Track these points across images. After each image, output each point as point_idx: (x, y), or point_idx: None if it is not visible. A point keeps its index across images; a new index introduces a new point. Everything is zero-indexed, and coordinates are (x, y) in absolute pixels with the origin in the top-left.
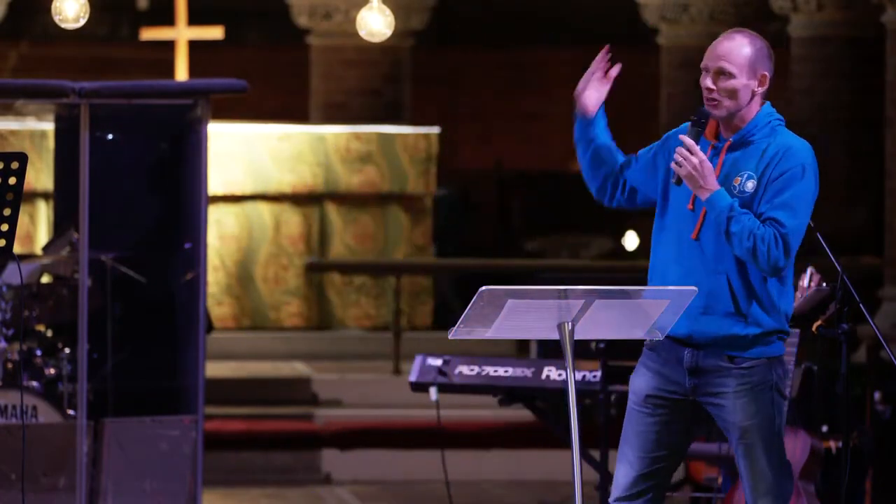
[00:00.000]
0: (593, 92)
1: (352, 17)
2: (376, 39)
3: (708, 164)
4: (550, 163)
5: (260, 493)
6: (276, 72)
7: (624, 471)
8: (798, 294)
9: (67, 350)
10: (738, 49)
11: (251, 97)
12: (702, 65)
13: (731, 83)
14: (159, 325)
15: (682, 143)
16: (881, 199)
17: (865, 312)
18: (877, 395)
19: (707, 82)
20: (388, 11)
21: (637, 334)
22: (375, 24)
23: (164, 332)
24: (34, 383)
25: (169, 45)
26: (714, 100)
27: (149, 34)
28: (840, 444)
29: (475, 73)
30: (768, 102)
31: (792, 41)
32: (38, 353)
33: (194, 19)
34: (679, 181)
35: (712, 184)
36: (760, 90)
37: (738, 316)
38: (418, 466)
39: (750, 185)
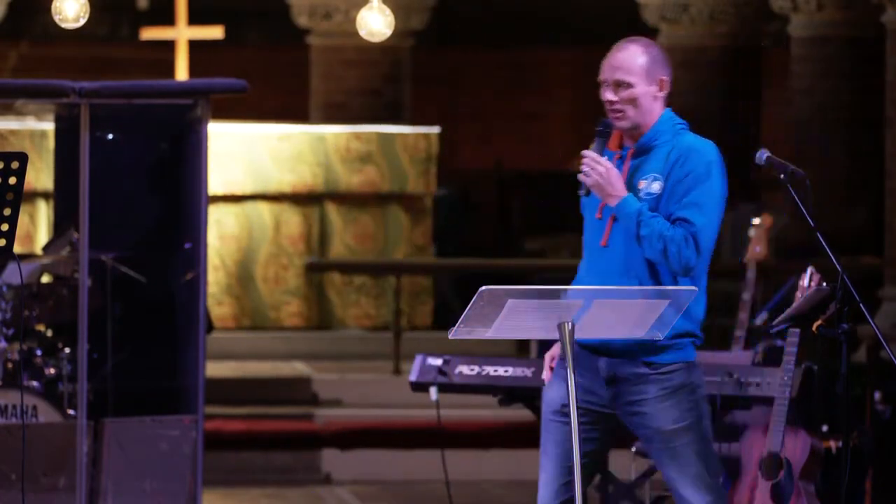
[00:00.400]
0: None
1: (352, 17)
2: (376, 39)
3: (615, 171)
4: (550, 163)
5: (260, 493)
6: (276, 72)
7: (545, 482)
8: (798, 294)
9: (67, 350)
10: (633, 58)
11: (251, 97)
12: (600, 78)
13: (631, 92)
14: (159, 325)
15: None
16: (881, 199)
17: (865, 312)
18: (877, 395)
19: (608, 95)
20: (388, 11)
21: (637, 334)
22: (375, 24)
23: (164, 332)
24: (34, 383)
25: (169, 45)
26: (618, 111)
27: (149, 34)
28: (840, 444)
29: (475, 73)
30: (669, 108)
31: (792, 41)
32: (38, 353)
33: (194, 19)
34: (588, 192)
35: (620, 190)
36: (661, 95)
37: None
38: (418, 466)
39: (656, 187)
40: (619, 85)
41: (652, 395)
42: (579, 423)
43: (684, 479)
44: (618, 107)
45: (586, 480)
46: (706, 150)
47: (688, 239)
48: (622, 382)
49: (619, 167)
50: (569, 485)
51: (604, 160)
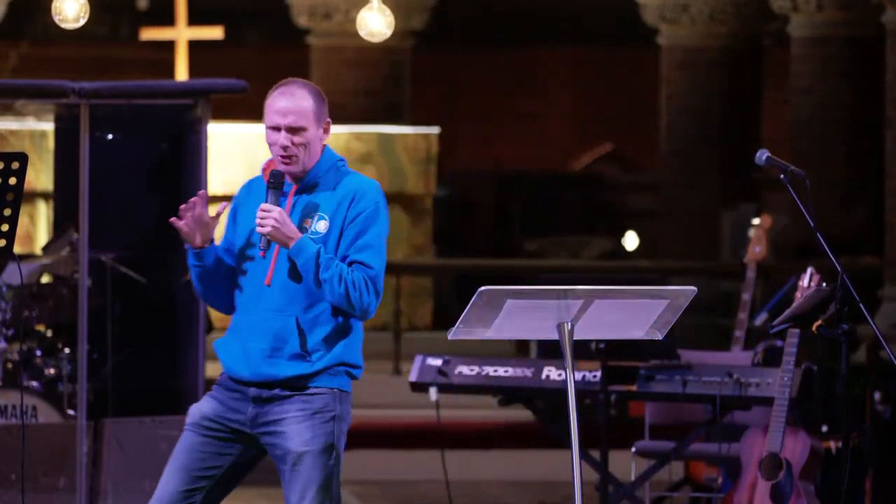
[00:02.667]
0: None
1: (352, 17)
2: (376, 39)
3: (287, 216)
4: (550, 163)
5: (259, 493)
6: (276, 72)
7: (164, 483)
8: (798, 294)
9: (67, 350)
10: (304, 103)
11: (251, 97)
12: (270, 124)
13: (306, 136)
14: (159, 325)
15: (249, 201)
16: (881, 199)
17: (865, 312)
18: (877, 395)
19: (283, 140)
20: (388, 11)
21: (637, 334)
22: (375, 24)
23: (164, 332)
24: (34, 383)
25: (169, 45)
26: (292, 156)
27: (149, 34)
28: (840, 444)
29: (475, 73)
30: (327, 145)
31: (792, 41)
32: (38, 353)
33: (194, 19)
34: (268, 245)
35: (295, 232)
36: (326, 137)
37: (304, 356)
38: (418, 466)
39: (322, 226)
40: (294, 130)
41: (291, 415)
42: (210, 437)
43: (303, 500)
44: (292, 152)
45: (209, 500)
46: (374, 191)
47: (367, 283)
48: (268, 402)
49: (281, 205)
50: (189, 494)
51: (275, 208)
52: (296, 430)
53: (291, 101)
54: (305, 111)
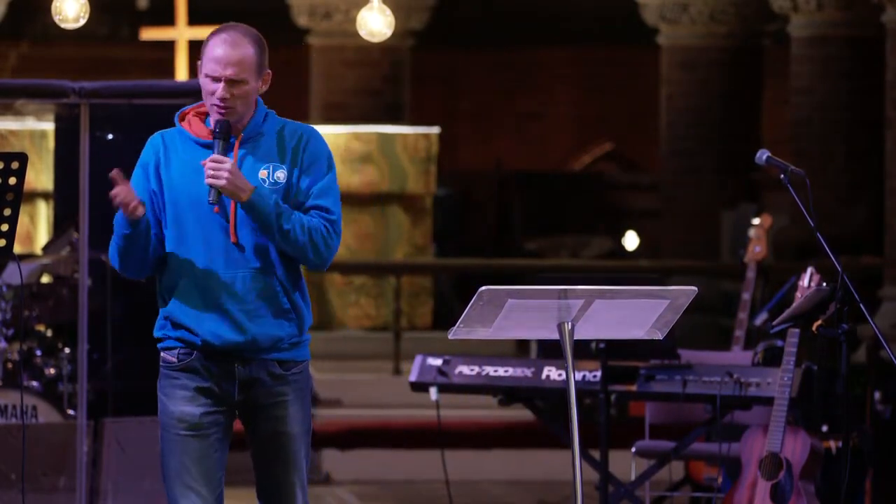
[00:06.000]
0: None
1: (352, 17)
2: (376, 39)
3: (237, 168)
4: (550, 163)
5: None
6: (276, 72)
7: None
8: (798, 294)
9: (67, 350)
10: (247, 53)
11: None
12: (209, 72)
13: (245, 89)
14: None
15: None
16: (881, 199)
17: (865, 312)
18: (877, 395)
19: (222, 93)
20: (388, 11)
21: (637, 334)
22: (375, 24)
23: None
24: (34, 383)
25: (169, 45)
26: (228, 108)
27: (149, 34)
28: (840, 444)
29: (475, 73)
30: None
31: (792, 41)
32: (38, 353)
33: (194, 19)
34: (217, 198)
35: (248, 184)
36: (265, 89)
37: (289, 315)
38: (418, 466)
39: (280, 175)
40: (233, 82)
41: (288, 397)
42: (212, 435)
43: (296, 483)
44: (230, 104)
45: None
46: (318, 135)
47: (328, 229)
48: (258, 384)
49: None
50: (217, 489)
51: (226, 159)
52: (293, 412)
53: (234, 50)
54: (248, 63)
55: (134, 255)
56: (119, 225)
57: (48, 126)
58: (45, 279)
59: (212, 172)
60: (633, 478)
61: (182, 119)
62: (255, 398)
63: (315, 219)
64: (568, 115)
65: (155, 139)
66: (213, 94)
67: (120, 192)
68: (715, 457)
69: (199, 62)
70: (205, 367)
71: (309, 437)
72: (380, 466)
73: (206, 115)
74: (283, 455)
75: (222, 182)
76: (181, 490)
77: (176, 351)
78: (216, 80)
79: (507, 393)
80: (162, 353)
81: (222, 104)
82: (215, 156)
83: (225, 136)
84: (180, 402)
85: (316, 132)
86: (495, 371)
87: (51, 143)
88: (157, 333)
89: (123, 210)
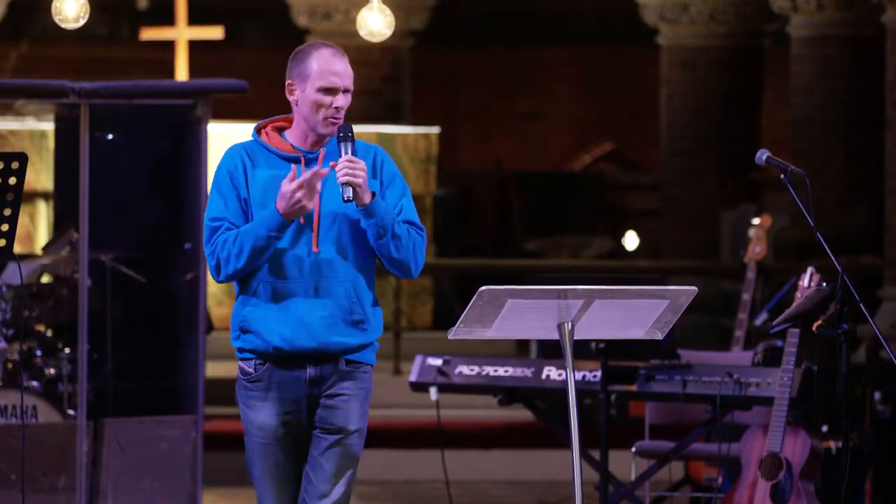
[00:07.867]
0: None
1: (352, 17)
2: (376, 39)
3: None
4: (550, 163)
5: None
6: (276, 72)
7: None
8: (798, 294)
9: (67, 350)
10: (350, 68)
11: (251, 97)
12: (327, 85)
13: (349, 98)
14: (159, 325)
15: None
16: (881, 199)
17: (865, 312)
18: (877, 395)
19: (340, 102)
20: (388, 11)
21: (637, 334)
22: (375, 24)
23: (164, 332)
24: (34, 383)
25: (169, 45)
26: (339, 118)
27: (149, 34)
28: (840, 444)
29: (475, 73)
30: None
31: (792, 41)
32: (38, 353)
33: (194, 19)
34: (352, 196)
35: (368, 188)
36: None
37: (362, 324)
38: (418, 466)
39: (375, 186)
40: (348, 93)
41: (350, 392)
42: (292, 442)
43: (332, 478)
44: (341, 115)
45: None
46: (385, 152)
47: (422, 239)
48: (325, 379)
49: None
50: (294, 498)
51: (360, 160)
52: (353, 408)
53: (346, 64)
54: (352, 76)
55: (266, 256)
56: (268, 225)
57: (48, 126)
58: (45, 279)
59: (349, 171)
60: (633, 478)
61: (259, 133)
62: (321, 393)
63: (413, 232)
64: (568, 115)
65: (236, 149)
66: (328, 105)
67: (307, 191)
68: (715, 457)
69: (291, 81)
70: (279, 376)
71: (363, 435)
72: (380, 466)
73: (282, 129)
74: (328, 448)
75: (360, 181)
76: (267, 491)
77: (252, 362)
78: (333, 91)
79: (507, 393)
80: (240, 363)
81: (338, 114)
82: (349, 156)
83: (349, 140)
84: (258, 412)
85: (383, 150)
86: (495, 371)
87: (51, 143)
88: (234, 344)
89: (301, 209)
